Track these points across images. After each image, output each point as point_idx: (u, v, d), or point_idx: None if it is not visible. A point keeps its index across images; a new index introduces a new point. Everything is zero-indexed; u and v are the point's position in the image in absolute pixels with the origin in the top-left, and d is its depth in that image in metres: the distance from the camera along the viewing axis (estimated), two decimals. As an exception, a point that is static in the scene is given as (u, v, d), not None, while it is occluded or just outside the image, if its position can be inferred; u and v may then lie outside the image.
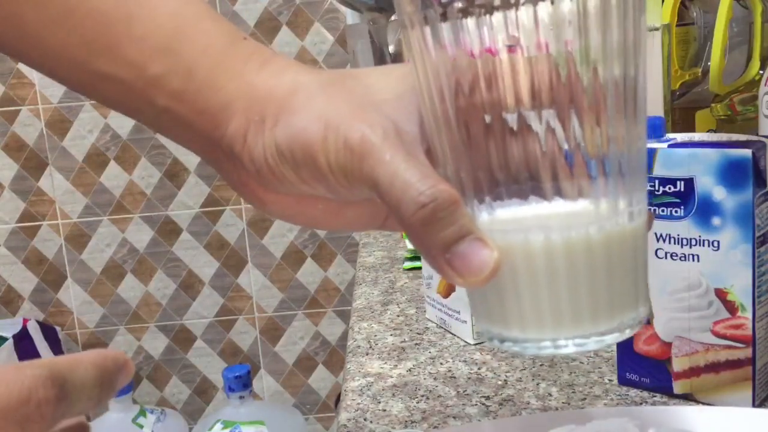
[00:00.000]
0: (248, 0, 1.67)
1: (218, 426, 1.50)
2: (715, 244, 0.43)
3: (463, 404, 0.48)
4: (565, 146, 0.28)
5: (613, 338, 0.30)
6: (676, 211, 0.45)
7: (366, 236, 0.93)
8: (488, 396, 0.49)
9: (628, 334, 0.31)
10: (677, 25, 0.78)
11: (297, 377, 1.84)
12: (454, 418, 0.47)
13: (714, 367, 0.45)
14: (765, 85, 0.56)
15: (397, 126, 0.31)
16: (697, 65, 0.83)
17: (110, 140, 1.73)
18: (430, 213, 0.29)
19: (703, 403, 0.46)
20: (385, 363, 0.55)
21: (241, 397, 1.55)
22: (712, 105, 0.71)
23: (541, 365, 0.53)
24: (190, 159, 1.74)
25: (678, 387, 0.47)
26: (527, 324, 0.30)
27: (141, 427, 1.56)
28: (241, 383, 1.54)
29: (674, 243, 0.45)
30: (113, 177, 1.74)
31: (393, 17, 0.92)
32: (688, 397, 0.47)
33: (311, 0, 1.67)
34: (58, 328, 1.77)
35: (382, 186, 0.30)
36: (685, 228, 0.44)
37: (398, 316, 0.65)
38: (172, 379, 1.84)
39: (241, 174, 0.34)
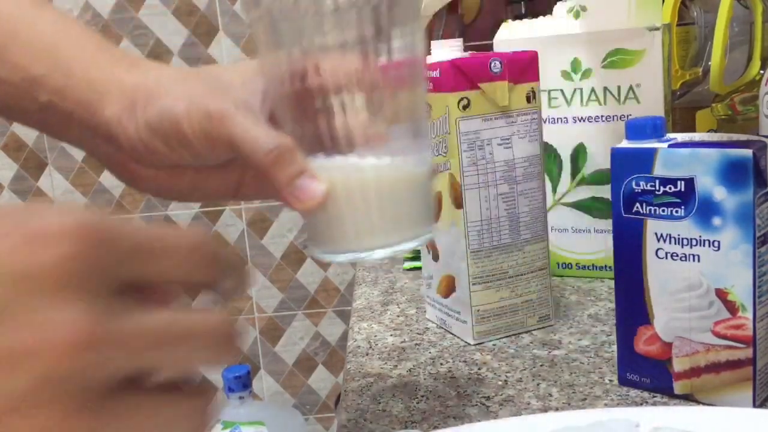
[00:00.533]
0: (248, 0, 1.66)
1: (218, 426, 1.50)
2: (716, 244, 0.43)
3: (463, 404, 0.48)
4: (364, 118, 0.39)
5: (404, 246, 0.40)
6: (676, 211, 0.44)
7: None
8: (488, 396, 0.49)
9: (415, 244, 0.41)
10: (678, 25, 0.78)
11: (297, 377, 1.84)
12: (454, 418, 0.47)
13: (714, 368, 0.45)
14: (765, 84, 0.56)
15: (244, 102, 0.40)
16: (697, 65, 0.83)
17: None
18: (276, 156, 0.38)
19: (704, 404, 0.46)
20: (385, 363, 0.55)
21: (240, 398, 1.55)
22: (713, 105, 0.71)
23: (541, 365, 0.53)
24: (190, 159, 1.74)
25: (678, 387, 0.47)
26: (345, 238, 0.40)
27: (141, 427, 1.56)
28: (241, 383, 1.54)
29: (675, 243, 0.45)
30: (112, 177, 1.74)
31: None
32: (688, 398, 0.46)
33: (311, 0, 1.67)
34: (57, 328, 1.76)
35: (238, 141, 0.39)
36: (686, 228, 0.44)
37: (398, 316, 0.65)
38: (171, 380, 1.84)
39: (118, 154, 0.42)
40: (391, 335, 0.60)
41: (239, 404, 1.55)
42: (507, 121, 0.56)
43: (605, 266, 0.69)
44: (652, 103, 0.64)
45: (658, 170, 0.45)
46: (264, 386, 1.85)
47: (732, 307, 0.43)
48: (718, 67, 0.69)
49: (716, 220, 0.43)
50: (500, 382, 0.51)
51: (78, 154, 1.73)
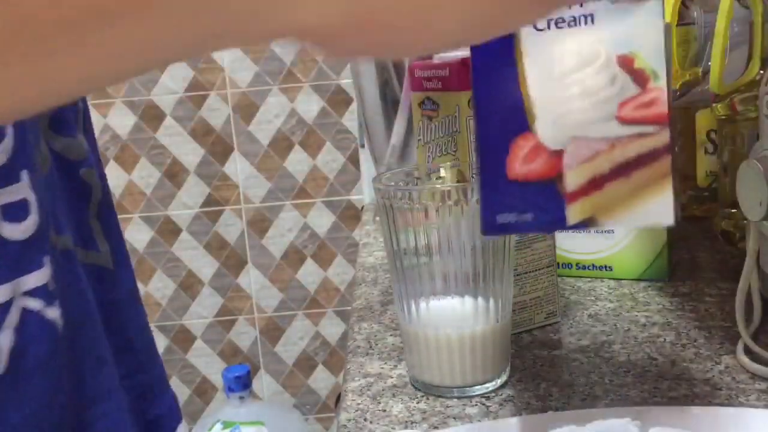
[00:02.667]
0: (248, 0, 1.67)
1: (218, 426, 1.50)
2: None
3: (463, 404, 0.48)
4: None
5: (484, 388, 0.49)
6: None
7: (366, 236, 0.93)
8: (488, 396, 0.49)
9: (491, 387, 0.49)
10: (677, 25, 0.78)
11: (297, 377, 1.84)
12: (454, 418, 0.47)
13: (623, 170, 0.34)
14: (765, 84, 0.56)
15: None
16: (697, 65, 0.83)
17: (110, 140, 1.72)
18: None
19: (606, 227, 0.36)
20: (385, 363, 0.55)
21: (241, 398, 1.55)
22: (713, 105, 0.71)
23: (541, 365, 0.53)
24: (190, 159, 1.74)
25: (574, 212, 0.35)
26: (441, 375, 0.49)
27: (141, 427, 1.56)
28: (241, 383, 1.54)
29: None
30: (113, 177, 1.74)
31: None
32: (587, 224, 0.35)
33: (311, 0, 1.67)
34: (57, 328, 1.76)
35: None
36: None
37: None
38: (172, 380, 1.84)
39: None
40: (391, 335, 0.60)
41: (239, 404, 1.55)
42: None
43: (605, 266, 0.69)
44: (652, 103, 0.64)
45: None
46: (264, 386, 1.85)
47: (641, 78, 0.33)
48: (717, 67, 0.69)
49: None
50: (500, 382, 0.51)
51: (78, 154, 1.73)
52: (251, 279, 1.80)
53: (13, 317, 0.38)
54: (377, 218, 0.98)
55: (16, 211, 0.39)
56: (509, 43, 0.34)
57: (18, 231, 0.38)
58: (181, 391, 1.84)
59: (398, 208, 0.47)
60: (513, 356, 0.55)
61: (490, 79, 0.35)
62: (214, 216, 1.77)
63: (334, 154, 1.74)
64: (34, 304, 0.39)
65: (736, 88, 0.70)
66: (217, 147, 1.73)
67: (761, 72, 0.69)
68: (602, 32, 0.33)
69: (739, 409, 0.41)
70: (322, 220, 1.77)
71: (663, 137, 0.33)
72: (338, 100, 1.71)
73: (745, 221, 0.51)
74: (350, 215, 1.76)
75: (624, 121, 0.34)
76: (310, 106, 1.72)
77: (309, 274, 1.80)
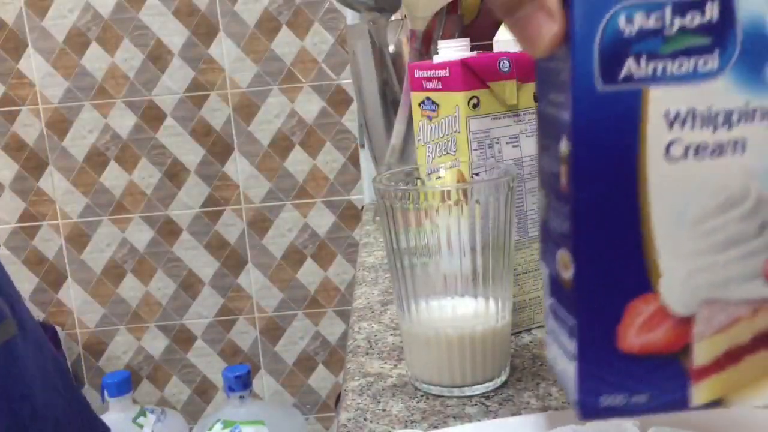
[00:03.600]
0: (248, 0, 1.67)
1: (218, 426, 1.50)
2: None
3: (463, 404, 0.48)
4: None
5: (484, 388, 0.49)
6: (704, 63, 0.25)
7: (366, 236, 0.93)
8: (488, 396, 0.49)
9: (492, 386, 0.49)
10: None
11: (297, 377, 1.84)
12: (453, 418, 0.47)
13: (765, 340, 0.27)
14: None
15: None
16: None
17: (110, 140, 1.73)
18: None
19: (740, 405, 0.29)
20: (385, 363, 0.55)
21: (241, 397, 1.55)
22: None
23: (541, 365, 0.53)
24: (190, 159, 1.74)
25: (701, 392, 0.28)
26: (441, 375, 0.49)
27: (141, 426, 1.56)
28: (241, 383, 1.54)
29: (702, 125, 0.26)
30: (113, 177, 1.74)
31: (393, 17, 0.92)
32: (715, 405, 0.29)
33: (311, 0, 1.67)
34: (58, 328, 1.77)
35: None
36: (722, 92, 0.25)
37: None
38: (172, 379, 1.84)
39: None
40: (391, 335, 0.60)
41: (239, 404, 1.55)
42: (515, 119, 0.56)
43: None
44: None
45: None
46: (264, 386, 1.85)
47: None
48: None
49: None
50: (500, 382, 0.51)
51: (79, 154, 1.73)
52: (251, 279, 1.80)
53: None
54: (377, 218, 0.98)
55: None
56: (630, 172, 0.26)
57: None
58: (181, 390, 1.84)
59: (398, 208, 0.47)
60: (513, 356, 0.55)
61: (600, 221, 0.27)
62: (215, 216, 1.77)
63: (334, 154, 1.74)
64: None
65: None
66: (218, 147, 1.74)
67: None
68: (755, 163, 0.26)
69: (739, 409, 0.41)
70: (322, 220, 1.77)
71: None
72: (338, 100, 1.72)
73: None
74: (350, 215, 1.76)
75: None
76: (310, 106, 1.72)
77: (309, 274, 1.80)
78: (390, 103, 0.87)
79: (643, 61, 0.25)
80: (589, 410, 0.28)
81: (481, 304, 0.48)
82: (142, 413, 1.59)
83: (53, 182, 1.74)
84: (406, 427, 0.46)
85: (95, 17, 1.67)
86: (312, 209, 1.77)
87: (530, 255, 0.58)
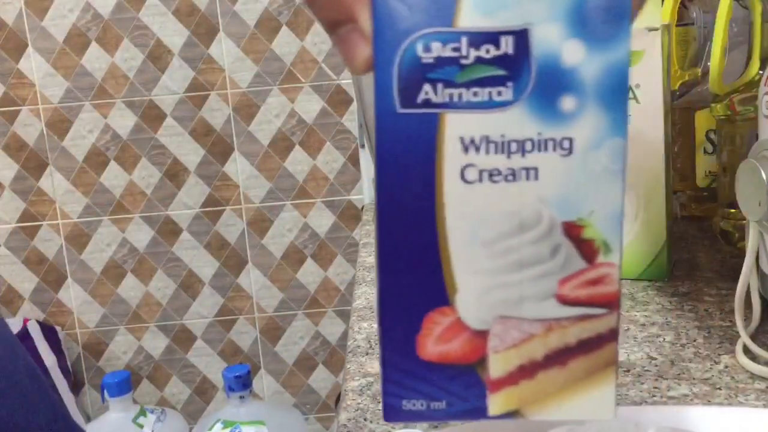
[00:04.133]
0: (248, 0, 1.67)
1: (218, 426, 1.50)
2: (566, 144, 0.26)
3: (463, 404, 0.48)
4: None
5: None
6: (499, 93, 0.26)
7: (366, 236, 0.93)
8: (488, 396, 0.49)
9: None
10: (677, 25, 0.78)
11: (297, 377, 1.84)
12: (454, 418, 0.47)
13: (559, 357, 0.28)
14: (765, 85, 0.56)
15: None
16: (696, 65, 0.83)
17: (110, 140, 1.73)
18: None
19: (533, 420, 0.30)
20: (385, 363, 0.55)
21: (241, 397, 1.55)
22: (712, 105, 0.71)
23: (540, 365, 0.53)
24: (190, 159, 1.74)
25: (497, 403, 0.29)
26: None
27: (141, 426, 1.56)
28: (241, 383, 1.54)
29: (496, 151, 0.26)
30: (113, 177, 1.74)
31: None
32: (511, 416, 0.29)
33: (311, 0, 1.67)
34: (58, 328, 1.77)
35: None
36: (516, 121, 0.26)
37: (398, 316, 0.65)
38: (172, 379, 1.84)
39: None
40: (391, 335, 0.61)
41: (239, 404, 1.55)
42: None
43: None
44: (651, 103, 0.64)
45: (466, 18, 0.25)
46: (264, 386, 1.85)
47: (589, 251, 0.27)
48: (717, 68, 0.69)
49: (567, 102, 0.26)
50: (500, 382, 0.51)
51: (79, 154, 1.73)
52: (251, 279, 1.80)
53: None
54: (377, 218, 0.98)
55: None
56: (428, 190, 0.27)
57: None
58: (181, 390, 1.84)
59: None
60: (513, 356, 0.55)
61: (401, 234, 0.28)
62: (215, 216, 1.77)
63: (334, 154, 1.74)
64: None
65: (736, 88, 0.70)
66: (217, 147, 1.74)
67: (760, 72, 0.69)
68: (548, 191, 0.27)
69: (739, 409, 0.41)
70: (322, 220, 1.77)
71: (610, 321, 0.28)
72: (338, 100, 1.72)
73: (744, 221, 0.51)
74: (350, 215, 1.76)
75: (565, 301, 0.28)
76: (310, 106, 1.72)
77: (309, 274, 1.80)
78: (390, 103, 0.87)
79: (439, 88, 0.26)
80: (391, 413, 0.29)
81: None
82: (142, 413, 1.59)
83: (53, 182, 1.74)
84: (406, 427, 0.46)
85: (95, 17, 1.67)
86: (312, 209, 1.77)
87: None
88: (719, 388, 0.47)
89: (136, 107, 1.71)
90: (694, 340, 0.55)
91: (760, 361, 0.49)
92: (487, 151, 0.27)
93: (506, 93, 0.26)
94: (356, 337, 0.61)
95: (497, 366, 0.29)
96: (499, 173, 0.27)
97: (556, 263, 0.28)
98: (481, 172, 0.27)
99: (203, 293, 1.80)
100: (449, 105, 0.26)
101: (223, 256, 1.79)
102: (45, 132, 1.72)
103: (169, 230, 1.77)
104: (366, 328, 0.63)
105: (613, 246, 0.27)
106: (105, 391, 1.58)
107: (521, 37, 0.25)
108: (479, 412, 0.29)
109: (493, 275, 0.28)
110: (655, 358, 0.52)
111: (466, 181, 0.27)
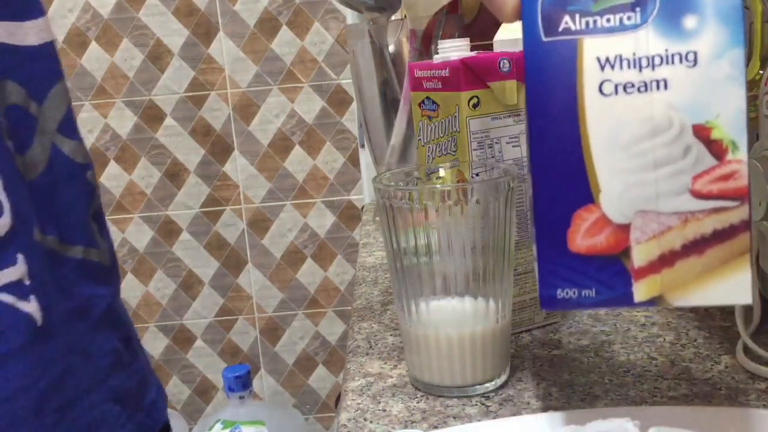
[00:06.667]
0: (248, 0, 1.67)
1: (218, 426, 1.50)
2: (691, 57, 0.31)
3: (463, 404, 0.48)
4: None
5: (484, 388, 0.49)
6: (629, 18, 0.31)
7: (366, 236, 0.93)
8: (488, 396, 0.49)
9: (492, 387, 0.49)
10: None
11: (297, 377, 1.84)
12: (454, 418, 0.47)
13: (696, 246, 0.32)
14: (765, 85, 0.56)
15: None
16: (697, 65, 0.82)
17: (110, 140, 1.73)
18: None
19: (677, 306, 0.33)
20: (385, 363, 0.55)
21: (241, 397, 1.55)
22: (712, 105, 0.71)
23: (541, 365, 0.53)
24: (190, 159, 1.74)
25: (642, 290, 0.33)
26: (441, 375, 0.49)
27: (141, 427, 1.56)
28: (241, 383, 1.54)
29: (629, 67, 0.31)
30: (113, 177, 1.74)
31: (393, 17, 0.92)
32: (655, 303, 0.33)
33: (311, 0, 1.67)
34: (58, 328, 1.76)
35: None
36: (645, 41, 0.31)
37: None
38: (172, 379, 1.84)
39: None
40: (391, 335, 0.60)
41: (239, 404, 1.55)
42: (515, 119, 0.56)
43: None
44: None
45: None
46: (264, 386, 1.85)
47: (718, 149, 0.31)
48: (717, 68, 0.69)
49: (689, 21, 0.30)
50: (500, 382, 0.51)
51: (78, 154, 1.73)
52: (251, 279, 1.80)
53: None
54: (377, 218, 0.98)
55: None
56: (571, 105, 0.32)
57: None
58: (181, 390, 1.84)
59: (398, 208, 0.47)
60: (513, 356, 0.55)
61: (550, 145, 0.33)
62: (214, 216, 1.77)
63: (334, 154, 1.74)
64: (7, 298, 0.41)
65: (736, 88, 0.70)
66: (217, 147, 1.74)
67: (761, 72, 0.69)
68: (677, 98, 0.31)
69: (739, 409, 0.41)
70: (322, 220, 1.77)
71: (742, 212, 0.31)
72: (338, 100, 1.72)
73: (744, 221, 0.51)
74: (350, 215, 1.76)
75: (699, 196, 0.31)
76: (310, 106, 1.72)
77: (309, 274, 1.80)
78: (390, 103, 0.87)
79: (577, 18, 0.32)
80: (547, 301, 0.34)
81: (481, 304, 0.48)
82: (142, 413, 1.58)
83: (53, 182, 1.74)
84: (406, 427, 0.46)
85: (95, 17, 1.67)
86: (312, 209, 1.77)
87: (530, 255, 0.58)
88: (719, 388, 0.47)
89: (136, 107, 1.71)
90: (695, 341, 0.55)
91: (760, 361, 0.49)
92: (621, 68, 0.31)
93: (635, 17, 0.31)
94: (356, 337, 0.61)
95: (640, 256, 0.32)
96: (633, 86, 0.31)
97: (688, 162, 0.31)
98: (616, 85, 0.31)
99: (203, 293, 1.80)
100: (586, 31, 0.32)
101: (223, 256, 1.79)
102: (45, 132, 1.72)
103: (169, 230, 1.77)
104: (366, 328, 0.62)
105: (740, 144, 0.31)
106: (105, 391, 1.57)
107: None
108: (626, 298, 0.33)
109: (631, 175, 0.32)
110: (656, 359, 0.52)
111: (603, 94, 0.32)
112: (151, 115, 1.72)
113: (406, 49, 0.87)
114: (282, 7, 1.68)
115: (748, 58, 0.73)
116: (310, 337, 1.82)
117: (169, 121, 1.72)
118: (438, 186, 0.50)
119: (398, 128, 0.76)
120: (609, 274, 0.33)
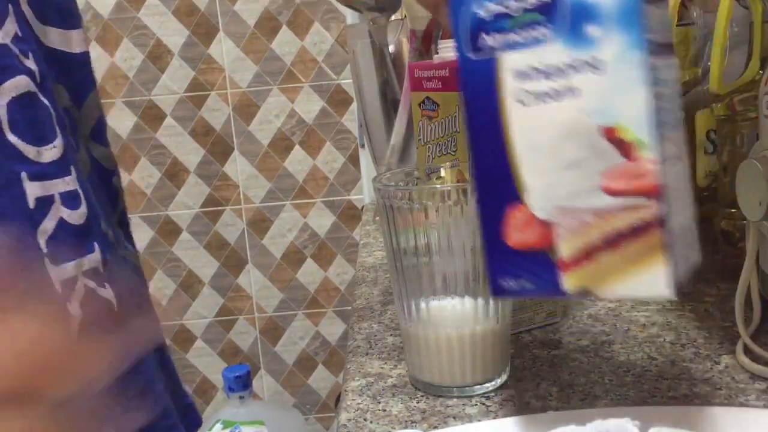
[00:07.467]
0: (248, 0, 1.67)
1: (218, 426, 1.50)
2: (597, 64, 0.33)
3: (463, 404, 0.48)
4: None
5: (484, 388, 0.49)
6: (540, 33, 0.34)
7: (366, 236, 0.93)
8: (488, 396, 0.49)
9: (492, 387, 0.49)
10: (677, 25, 0.78)
11: (297, 377, 1.84)
12: (454, 418, 0.47)
13: (614, 241, 0.34)
14: (765, 85, 0.56)
15: None
16: (697, 65, 0.83)
17: (110, 140, 1.72)
18: None
19: (604, 298, 0.35)
20: (385, 363, 0.55)
21: (241, 397, 1.55)
22: (713, 105, 0.71)
23: (541, 365, 0.53)
24: (190, 159, 1.74)
25: (570, 281, 0.35)
26: (441, 375, 0.49)
27: (141, 427, 1.56)
28: (241, 383, 1.54)
29: (542, 78, 0.34)
30: (113, 177, 1.74)
31: (393, 17, 0.92)
32: (583, 294, 0.35)
33: (311, 0, 1.67)
34: (58, 328, 1.76)
35: None
36: (557, 53, 0.34)
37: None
38: (172, 379, 1.84)
39: None
40: (391, 335, 0.60)
41: (239, 404, 1.55)
42: None
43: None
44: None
45: None
46: (264, 386, 1.85)
47: (626, 149, 0.33)
48: (717, 68, 0.69)
49: (593, 30, 0.33)
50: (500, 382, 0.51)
51: (78, 154, 1.73)
52: (251, 279, 1.80)
53: (79, 291, 0.42)
54: (377, 218, 0.98)
55: (71, 199, 0.43)
56: (496, 114, 0.35)
57: (75, 216, 0.43)
58: (181, 391, 1.84)
59: (398, 208, 0.47)
60: (513, 356, 0.55)
61: (484, 150, 0.36)
62: (214, 216, 1.77)
63: (334, 154, 1.74)
64: (90, 283, 0.43)
65: (736, 88, 0.70)
66: (217, 147, 1.74)
67: (761, 72, 0.69)
68: (586, 104, 0.33)
69: (739, 409, 0.41)
70: (322, 220, 1.77)
71: (653, 209, 0.32)
72: (338, 100, 1.71)
73: (744, 221, 0.51)
74: (350, 215, 1.76)
75: (611, 193, 0.33)
76: (310, 106, 1.72)
77: (309, 274, 1.80)
78: (390, 103, 0.87)
79: (495, 36, 0.35)
80: (494, 290, 0.38)
81: (481, 304, 0.48)
82: (142, 413, 1.58)
83: (53, 182, 1.74)
84: (406, 427, 0.46)
85: (95, 17, 1.67)
86: (312, 209, 1.77)
87: (530, 255, 0.58)
88: (719, 388, 0.47)
89: (136, 107, 1.71)
90: (695, 341, 0.55)
91: (760, 361, 0.49)
92: (535, 79, 0.34)
93: (545, 31, 0.34)
94: (356, 337, 0.61)
95: (564, 250, 0.35)
96: (547, 94, 0.34)
97: (599, 162, 0.33)
98: (532, 95, 0.34)
99: (203, 293, 1.80)
100: (503, 47, 0.35)
101: (223, 256, 1.79)
102: (45, 132, 1.72)
103: (169, 230, 1.77)
104: (366, 328, 0.62)
105: (649, 144, 0.32)
106: (105, 391, 1.57)
107: None
108: (557, 289, 0.35)
109: (550, 174, 0.35)
110: (656, 359, 0.52)
111: (522, 104, 0.35)
112: (151, 115, 1.72)
113: (406, 49, 0.87)
114: (282, 7, 1.68)
115: (748, 58, 0.73)
116: (310, 337, 1.82)
117: (169, 121, 1.72)
118: (438, 186, 0.50)
119: (398, 128, 0.76)
120: (541, 267, 0.36)
